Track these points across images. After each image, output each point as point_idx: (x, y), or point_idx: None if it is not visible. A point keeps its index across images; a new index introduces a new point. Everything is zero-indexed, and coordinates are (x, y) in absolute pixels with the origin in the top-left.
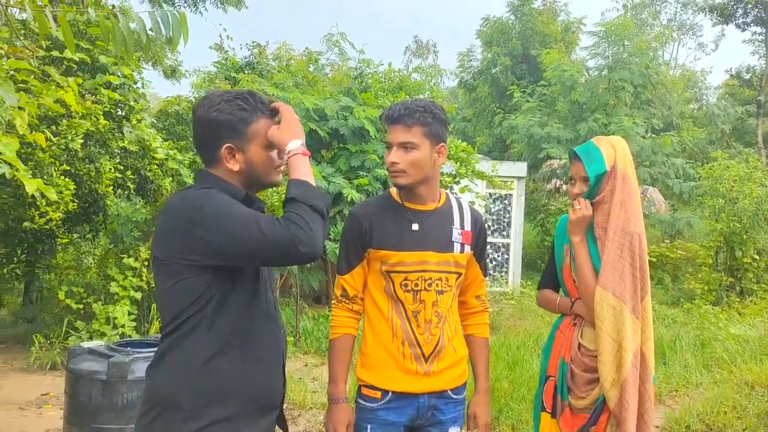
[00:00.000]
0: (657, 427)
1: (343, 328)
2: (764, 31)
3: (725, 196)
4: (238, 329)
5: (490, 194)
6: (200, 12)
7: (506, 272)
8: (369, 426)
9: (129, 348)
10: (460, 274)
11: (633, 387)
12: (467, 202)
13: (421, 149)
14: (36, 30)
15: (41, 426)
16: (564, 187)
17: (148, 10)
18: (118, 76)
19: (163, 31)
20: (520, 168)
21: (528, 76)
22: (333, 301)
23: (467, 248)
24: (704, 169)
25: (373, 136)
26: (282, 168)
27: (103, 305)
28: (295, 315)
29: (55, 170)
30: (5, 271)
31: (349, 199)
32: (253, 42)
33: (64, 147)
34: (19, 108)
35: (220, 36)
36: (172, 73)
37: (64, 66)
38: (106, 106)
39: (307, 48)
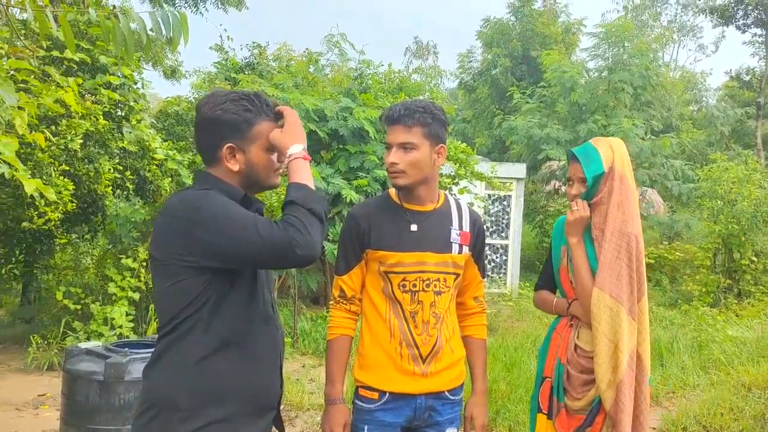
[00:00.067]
0: (654, 428)
1: (341, 328)
2: (764, 32)
3: (724, 198)
4: (236, 330)
5: (489, 195)
6: (201, 12)
7: (504, 274)
8: (366, 427)
9: (126, 349)
10: (458, 275)
11: (629, 388)
12: (466, 204)
13: (420, 150)
14: (36, 30)
15: (38, 427)
16: (563, 188)
17: (149, 11)
18: (118, 77)
19: (164, 32)
20: (519, 169)
21: (528, 77)
22: (331, 302)
23: (465, 249)
24: (703, 171)
25: (373, 137)
26: (281, 170)
27: (101, 306)
28: (293, 316)
29: (54, 170)
30: (3, 271)
31: (348, 200)
32: (254, 43)
33: (63, 147)
34: (19, 108)
35: (221, 36)
36: (172, 74)
37: (64, 66)
38: (105, 107)
39: (307, 49)
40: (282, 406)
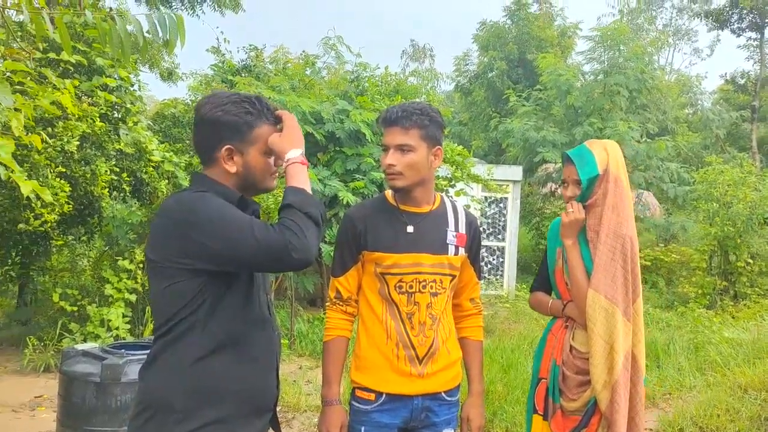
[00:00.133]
0: (650, 429)
1: (337, 330)
2: (759, 36)
3: (719, 201)
4: (232, 332)
5: (486, 198)
6: (197, 15)
7: (501, 275)
8: (363, 428)
9: (123, 350)
10: (454, 277)
11: (624, 389)
12: (462, 205)
13: (417, 152)
14: (33, 32)
15: (34, 428)
16: (559, 190)
17: (145, 13)
18: (115, 79)
19: (160, 34)
20: (516, 172)
21: (524, 80)
22: (327, 304)
23: (462, 251)
24: (699, 174)
25: (369, 140)
26: (278, 174)
27: (97, 307)
28: (290, 317)
29: (50, 172)
30: None
31: (344, 202)
32: (250, 45)
33: (59, 149)
34: (15, 110)
35: (217, 39)
36: (168, 76)
37: (60, 68)
38: (102, 109)
39: (304, 51)
40: (279, 408)
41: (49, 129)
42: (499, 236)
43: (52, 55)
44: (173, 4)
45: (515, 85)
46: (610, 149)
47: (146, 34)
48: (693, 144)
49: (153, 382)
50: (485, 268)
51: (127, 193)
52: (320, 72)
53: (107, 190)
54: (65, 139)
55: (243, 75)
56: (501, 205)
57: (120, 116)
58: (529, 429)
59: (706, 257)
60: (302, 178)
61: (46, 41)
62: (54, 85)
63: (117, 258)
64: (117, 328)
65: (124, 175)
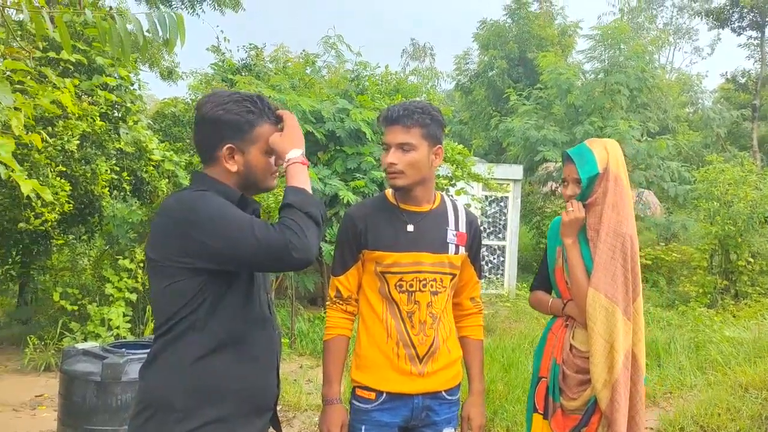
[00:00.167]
0: (651, 429)
1: (337, 329)
2: (759, 35)
3: (720, 200)
4: (232, 331)
5: (486, 197)
6: (197, 14)
7: (502, 275)
8: (363, 427)
9: (123, 349)
10: (454, 275)
11: (624, 388)
12: (463, 204)
13: (419, 150)
14: (33, 31)
15: (35, 427)
16: (560, 189)
17: (145, 12)
18: (115, 78)
19: (160, 33)
20: (516, 171)
21: (524, 79)
22: (327, 303)
23: (462, 250)
24: (699, 173)
25: (370, 139)
26: (278, 173)
27: (98, 307)
28: (291, 317)
29: (50, 171)
30: (0, 272)
31: (345, 201)
32: (250, 44)
33: (60, 148)
34: (16, 109)
35: (217, 38)
36: (168, 75)
37: (60, 67)
38: (102, 108)
39: (304, 50)
40: (279, 407)
41: (50, 128)
42: (500, 235)
43: (52, 54)
44: (173, 3)
45: (516, 83)
46: (610, 148)
47: (146, 33)
48: (694, 143)
49: (153, 381)
50: (486, 267)
51: (128, 192)
52: (320, 71)
53: (107, 189)
54: (65, 138)
55: (243, 74)
56: (501, 204)
57: (120, 115)
58: (529, 428)
59: (707, 256)
60: (302, 177)
61: (46, 40)
62: (54, 84)
63: (117, 257)
64: (117, 328)
65: (125, 174)
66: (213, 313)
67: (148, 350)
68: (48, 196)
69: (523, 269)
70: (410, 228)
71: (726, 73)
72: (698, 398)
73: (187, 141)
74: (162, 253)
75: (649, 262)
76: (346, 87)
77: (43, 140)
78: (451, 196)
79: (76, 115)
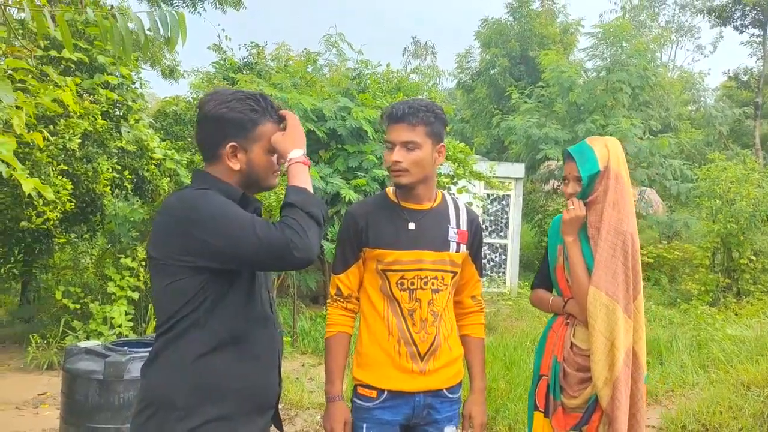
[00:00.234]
0: (654, 427)
1: (338, 326)
2: (762, 33)
3: (722, 198)
4: (234, 329)
5: (488, 195)
6: (199, 12)
7: (504, 273)
8: (365, 425)
9: (126, 348)
10: (455, 273)
11: (625, 386)
12: (464, 203)
13: (423, 148)
14: (34, 29)
15: (38, 426)
16: (562, 188)
17: (147, 10)
18: (116, 76)
19: (162, 32)
20: (518, 169)
21: (526, 77)
22: (328, 300)
23: (463, 247)
24: (702, 171)
25: (371, 137)
26: (279, 172)
27: (100, 305)
28: (293, 315)
29: (52, 170)
30: (2, 270)
31: (346, 200)
32: (252, 42)
33: (61, 146)
34: (17, 107)
35: (219, 36)
36: (170, 74)
37: (62, 66)
38: (104, 106)
39: (305, 48)
40: (281, 405)
41: (51, 127)
42: (502, 233)
43: (53, 52)
44: (174, 1)
45: (517, 82)
46: (611, 146)
47: (147, 32)
48: (696, 141)
49: (155, 380)
50: (488, 265)
51: (129, 191)
52: (322, 69)
53: (109, 187)
54: (67, 137)
55: (244, 72)
56: (503, 202)
57: (122, 114)
58: (530, 426)
59: (709, 254)
60: (304, 177)
61: (48, 39)
62: (55, 82)
63: (119, 256)
64: (120, 326)
65: (126, 172)
66: (214, 312)
67: (150, 348)
68: (50, 194)
69: (524, 267)
70: (411, 226)
71: (728, 70)
72: (700, 396)
73: (189, 139)
74: (163, 252)
75: (651, 261)
76: (348, 85)
77: (44, 139)
78: (453, 194)
79: (78, 114)
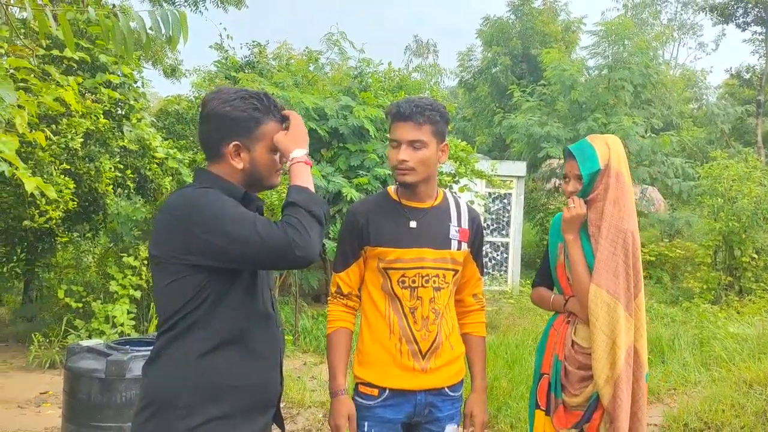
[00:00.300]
0: (655, 425)
1: (339, 321)
2: (764, 30)
3: (724, 196)
4: (235, 328)
5: (490, 193)
6: (200, 11)
7: (505, 271)
8: (366, 423)
9: (128, 346)
10: (456, 271)
11: (626, 384)
12: (465, 201)
13: (429, 148)
14: (36, 29)
15: (40, 424)
16: (563, 186)
17: (148, 9)
18: (118, 75)
19: (163, 30)
20: (520, 167)
21: (528, 75)
22: (329, 298)
23: (464, 246)
24: (703, 169)
25: (373, 136)
26: (281, 171)
27: (102, 304)
28: (295, 314)
29: (54, 169)
30: (5, 269)
31: (348, 198)
32: (253, 41)
33: (63, 146)
34: (19, 106)
35: (220, 35)
36: (172, 73)
37: (64, 65)
38: (106, 105)
39: (307, 47)
40: (283, 404)
41: (53, 126)
42: (503, 232)
43: (55, 52)
44: (176, 0)
45: (519, 80)
46: (612, 144)
47: (149, 31)
48: (698, 139)
49: (156, 378)
50: (489, 263)
51: (132, 190)
52: (323, 68)
53: (111, 186)
54: (69, 136)
55: (246, 71)
56: (505, 200)
57: (124, 113)
58: (531, 424)
59: (711, 252)
60: (306, 177)
61: (50, 38)
62: (57, 82)
63: (122, 255)
64: (122, 325)
65: (128, 171)
66: (216, 310)
67: (152, 347)
68: (52, 193)
69: (526, 266)
70: (413, 224)
71: (730, 68)
72: (702, 394)
73: (191, 138)
74: (165, 251)
75: (653, 259)
76: (349, 84)
77: (46, 138)
78: (455, 192)
79: (80, 113)
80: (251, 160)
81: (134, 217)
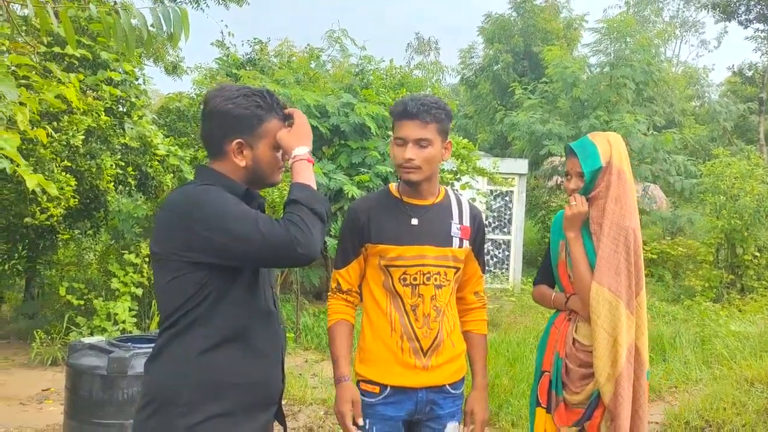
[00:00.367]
0: (657, 423)
1: (339, 314)
2: (767, 27)
3: (726, 194)
4: (237, 325)
5: (491, 191)
6: (201, 8)
7: (507, 269)
8: (368, 421)
9: (129, 343)
10: (458, 269)
11: (627, 382)
12: (467, 199)
13: (434, 146)
14: (37, 26)
15: (42, 421)
16: (565, 183)
17: (150, 6)
18: (120, 73)
19: (165, 28)
20: (521, 165)
21: (530, 73)
22: (329, 293)
23: (466, 243)
24: (706, 167)
25: (374, 133)
26: (283, 169)
27: (103, 301)
28: (296, 311)
29: (56, 166)
30: (6, 267)
31: (349, 196)
32: (255, 38)
33: (65, 143)
34: (21, 104)
35: (222, 32)
36: (173, 70)
37: (65, 62)
38: (107, 103)
39: (308, 44)
40: (284, 401)
41: (55, 123)
42: (505, 230)
43: (56, 49)
44: None
45: (521, 77)
46: (613, 141)
47: (150, 28)
48: (700, 136)
49: (158, 375)
50: (491, 261)
51: (133, 187)
52: (325, 65)
53: (113, 184)
54: (70, 133)
55: (247, 68)
56: (506, 198)
57: (125, 110)
58: (532, 422)
59: (713, 250)
60: (308, 174)
61: (51, 35)
62: (59, 79)
63: (123, 252)
64: (123, 322)
65: (130, 169)
66: (217, 308)
67: (153, 344)
68: (53, 190)
69: (528, 264)
70: (414, 221)
71: (733, 66)
72: (703, 392)
73: (192, 136)
74: (166, 248)
75: (655, 257)
76: (351, 81)
77: (48, 135)
78: (456, 190)
79: (81, 110)
80: (254, 158)
81: (135, 215)
